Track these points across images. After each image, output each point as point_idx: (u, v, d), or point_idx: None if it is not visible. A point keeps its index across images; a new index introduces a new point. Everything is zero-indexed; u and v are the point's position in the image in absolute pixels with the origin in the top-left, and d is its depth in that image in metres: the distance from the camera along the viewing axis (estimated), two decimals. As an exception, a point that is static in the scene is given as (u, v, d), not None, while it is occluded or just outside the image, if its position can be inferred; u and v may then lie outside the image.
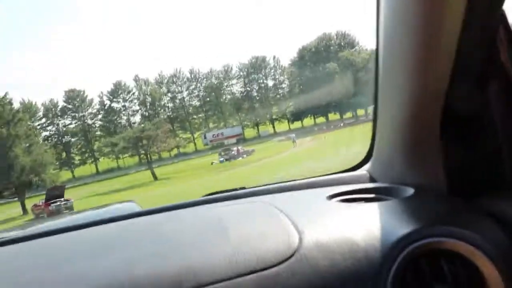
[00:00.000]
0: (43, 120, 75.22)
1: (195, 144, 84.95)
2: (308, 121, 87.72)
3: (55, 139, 75.29)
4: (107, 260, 0.94)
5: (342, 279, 0.86)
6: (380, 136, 1.51)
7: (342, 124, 68.51)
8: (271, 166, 29.80)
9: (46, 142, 74.63)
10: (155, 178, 43.76)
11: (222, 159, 48.22)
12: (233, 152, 49.11)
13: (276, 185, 1.64)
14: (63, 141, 75.66)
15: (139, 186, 38.68)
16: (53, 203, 29.30)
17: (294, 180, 1.69)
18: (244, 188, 1.69)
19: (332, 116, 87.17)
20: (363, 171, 1.66)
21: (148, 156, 44.83)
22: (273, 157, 38.74)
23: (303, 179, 1.68)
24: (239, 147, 51.35)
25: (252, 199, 1.50)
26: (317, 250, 0.90)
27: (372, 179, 1.59)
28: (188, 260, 0.89)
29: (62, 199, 30.40)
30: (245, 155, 47.64)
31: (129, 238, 1.19)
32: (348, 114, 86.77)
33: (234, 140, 76.82)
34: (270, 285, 0.79)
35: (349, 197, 1.37)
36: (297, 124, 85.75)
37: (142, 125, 47.38)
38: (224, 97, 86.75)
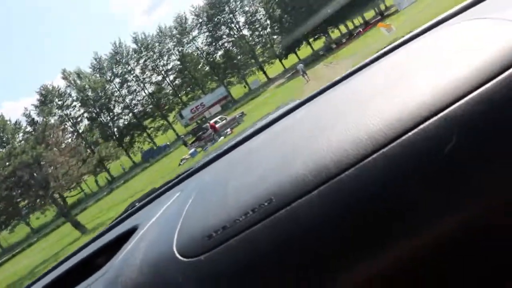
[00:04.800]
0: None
1: (174, 130, 63.89)
2: (304, 52, 66.12)
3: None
4: (312, 146, 0.82)
5: None
6: None
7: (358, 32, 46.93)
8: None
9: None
10: (82, 230, 23.37)
11: (192, 150, 27.58)
12: (208, 132, 28.07)
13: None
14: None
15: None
16: None
17: None
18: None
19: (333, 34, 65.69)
20: None
21: (57, 200, 23.70)
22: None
23: None
24: (218, 119, 30.17)
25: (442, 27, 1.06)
26: None
27: None
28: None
29: None
30: (229, 130, 26.49)
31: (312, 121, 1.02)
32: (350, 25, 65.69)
33: (218, 108, 55.68)
34: None
35: None
36: (292, 59, 64.19)
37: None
38: (189, 58, 64.62)
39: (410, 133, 0.66)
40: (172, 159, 35.01)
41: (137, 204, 1.59)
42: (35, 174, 21.95)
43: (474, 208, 0.62)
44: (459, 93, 0.66)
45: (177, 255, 0.79)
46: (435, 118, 0.66)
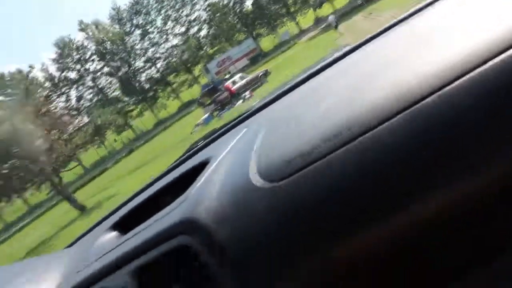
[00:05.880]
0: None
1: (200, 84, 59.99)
2: (340, 1, 59.87)
3: None
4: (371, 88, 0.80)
5: None
6: None
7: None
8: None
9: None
10: (82, 208, 20.57)
11: (207, 115, 23.82)
12: (224, 94, 24.19)
13: None
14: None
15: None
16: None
17: None
18: None
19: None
20: None
21: (52, 178, 20.83)
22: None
23: None
24: (238, 77, 26.10)
25: None
26: None
27: None
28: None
29: None
30: (247, 93, 22.42)
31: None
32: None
33: (246, 61, 51.28)
34: None
35: None
36: (328, 9, 58.21)
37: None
38: (215, 7, 59.68)
39: (498, 58, 0.62)
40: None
41: (201, 142, 1.57)
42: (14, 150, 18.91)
43: None
44: None
45: (255, 183, 0.77)
46: None
